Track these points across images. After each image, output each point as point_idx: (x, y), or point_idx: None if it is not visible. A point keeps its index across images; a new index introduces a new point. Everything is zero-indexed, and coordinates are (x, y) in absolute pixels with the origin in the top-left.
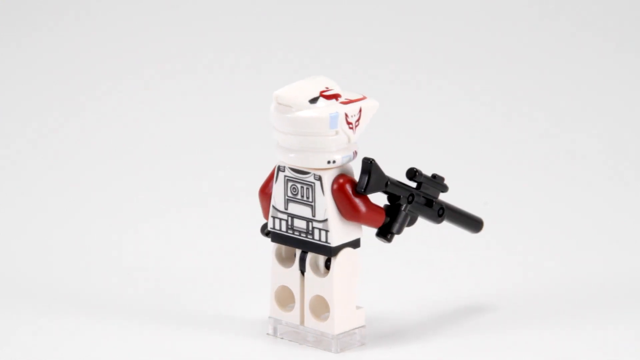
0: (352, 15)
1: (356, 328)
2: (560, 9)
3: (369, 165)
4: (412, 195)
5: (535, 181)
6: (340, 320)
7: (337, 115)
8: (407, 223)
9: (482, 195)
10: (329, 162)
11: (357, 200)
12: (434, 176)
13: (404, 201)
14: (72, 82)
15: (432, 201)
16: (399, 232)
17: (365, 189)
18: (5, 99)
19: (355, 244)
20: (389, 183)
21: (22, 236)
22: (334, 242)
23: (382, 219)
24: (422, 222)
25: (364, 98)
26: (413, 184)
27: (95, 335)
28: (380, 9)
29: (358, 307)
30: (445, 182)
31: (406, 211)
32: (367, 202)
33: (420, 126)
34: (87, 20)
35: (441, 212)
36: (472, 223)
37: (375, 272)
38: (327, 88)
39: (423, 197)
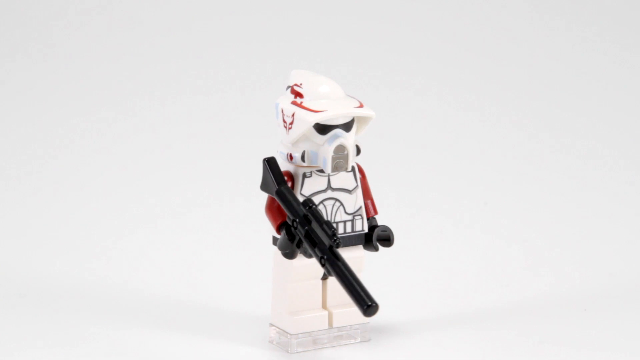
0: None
1: (288, 333)
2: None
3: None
4: (295, 222)
5: (535, 181)
6: (273, 310)
7: (277, 107)
8: (288, 246)
9: (482, 195)
10: (278, 150)
11: (267, 197)
12: (326, 222)
13: (290, 223)
14: (75, 89)
15: (315, 243)
16: (280, 249)
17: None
18: (9, 104)
19: None
20: (278, 192)
21: (22, 237)
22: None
23: (274, 224)
24: (420, 222)
25: (318, 111)
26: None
27: (95, 338)
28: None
29: (294, 314)
30: (335, 237)
31: (297, 237)
32: (271, 203)
33: (420, 126)
34: (90, 25)
35: (323, 262)
36: (358, 297)
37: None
38: (300, 85)
39: (307, 233)
